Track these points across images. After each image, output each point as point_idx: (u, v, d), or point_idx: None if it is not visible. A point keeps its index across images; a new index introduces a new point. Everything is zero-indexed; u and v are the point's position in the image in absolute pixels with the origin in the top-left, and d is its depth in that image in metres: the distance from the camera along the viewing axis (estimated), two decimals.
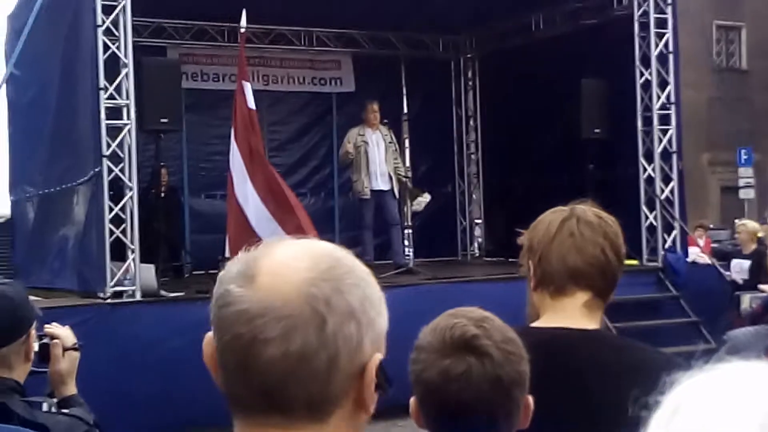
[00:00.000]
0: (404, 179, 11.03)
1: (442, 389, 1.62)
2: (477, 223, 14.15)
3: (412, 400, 1.68)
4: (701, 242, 12.75)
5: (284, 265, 1.04)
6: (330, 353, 1.01)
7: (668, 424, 0.80)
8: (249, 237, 8.48)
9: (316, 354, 1.01)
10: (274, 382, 1.01)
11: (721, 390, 0.79)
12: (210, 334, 1.07)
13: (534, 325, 2.11)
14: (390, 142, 10.87)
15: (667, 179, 10.38)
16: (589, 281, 2.08)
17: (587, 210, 2.13)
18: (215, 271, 9.26)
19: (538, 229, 2.14)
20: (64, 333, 2.48)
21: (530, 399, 1.67)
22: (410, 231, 12.06)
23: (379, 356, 1.06)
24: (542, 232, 2.12)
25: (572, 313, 2.08)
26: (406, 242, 11.54)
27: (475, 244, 14.17)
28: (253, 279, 1.03)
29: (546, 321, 2.10)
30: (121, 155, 8.23)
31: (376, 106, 10.92)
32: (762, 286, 9.62)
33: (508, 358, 1.62)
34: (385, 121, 10.95)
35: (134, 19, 8.60)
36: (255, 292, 1.02)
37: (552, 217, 2.14)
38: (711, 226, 17.12)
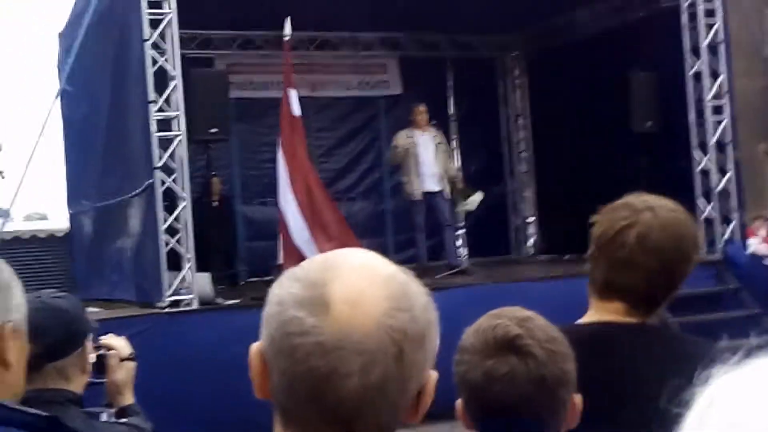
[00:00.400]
0: (455, 179, 10.99)
1: (486, 390, 1.61)
2: (530, 221, 14.06)
3: (457, 401, 1.67)
4: (763, 232, 12.48)
5: (360, 293, 1.01)
6: (404, 381, 1.01)
7: (702, 417, 0.78)
8: (291, 245, 8.60)
9: (392, 383, 1.00)
10: (350, 411, 0.99)
11: (757, 385, 0.77)
12: (256, 347, 1.05)
13: (578, 321, 2.11)
14: (439, 143, 10.84)
15: (722, 170, 10.21)
16: (626, 297, 2.05)
17: (656, 218, 2.02)
18: (270, 278, 9.36)
19: (603, 220, 2.08)
20: (119, 344, 2.51)
21: (578, 398, 1.66)
22: (463, 231, 12.06)
23: (435, 375, 1.07)
24: (603, 228, 2.07)
25: (615, 312, 2.05)
26: (459, 242, 11.53)
27: (529, 243, 14.09)
28: (327, 308, 0.99)
29: (589, 317, 2.10)
30: (173, 166, 8.31)
31: (422, 108, 10.90)
32: None
33: (551, 357, 1.61)
34: (434, 122, 10.93)
35: (181, 31, 8.67)
36: (331, 323, 0.98)
37: (618, 215, 2.05)
38: None
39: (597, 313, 2.08)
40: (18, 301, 1.57)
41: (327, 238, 8.76)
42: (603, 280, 2.05)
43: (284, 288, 1.03)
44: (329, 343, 0.98)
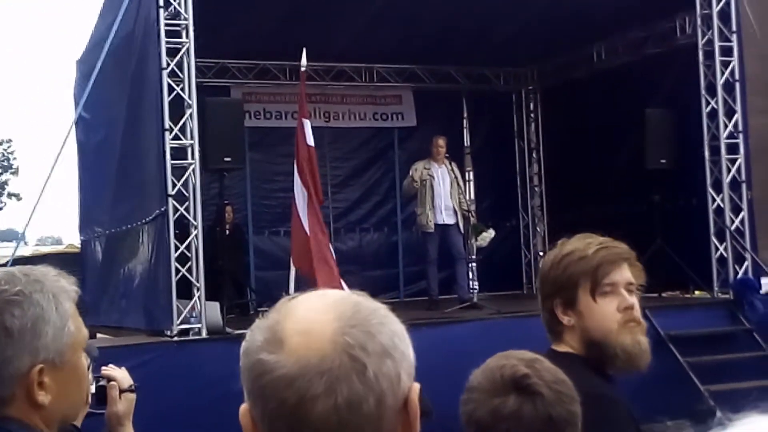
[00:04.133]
0: (467, 213, 10.98)
1: (493, 428, 1.62)
2: (541, 256, 14.01)
3: None
4: None
5: (310, 321, 1.05)
6: (376, 395, 1.02)
7: None
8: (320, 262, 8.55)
9: (364, 399, 1.02)
10: None
11: None
12: (245, 407, 1.09)
13: None
14: (455, 177, 10.85)
15: (736, 209, 10.16)
16: (550, 332, 2.26)
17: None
18: None
19: None
20: (120, 375, 2.49)
21: None
22: (474, 265, 12.03)
23: (417, 385, 1.08)
24: None
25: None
26: (471, 276, 11.48)
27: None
28: (282, 343, 1.04)
29: None
30: (186, 194, 8.33)
31: (442, 141, 10.91)
32: None
33: (559, 397, 1.61)
34: (447, 155, 10.94)
35: (198, 60, 8.73)
36: (289, 355, 1.02)
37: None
38: None
39: None
40: (51, 336, 1.56)
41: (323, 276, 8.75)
42: None
43: (249, 339, 1.09)
44: (291, 374, 1.01)
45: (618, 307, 2.13)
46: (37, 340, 1.55)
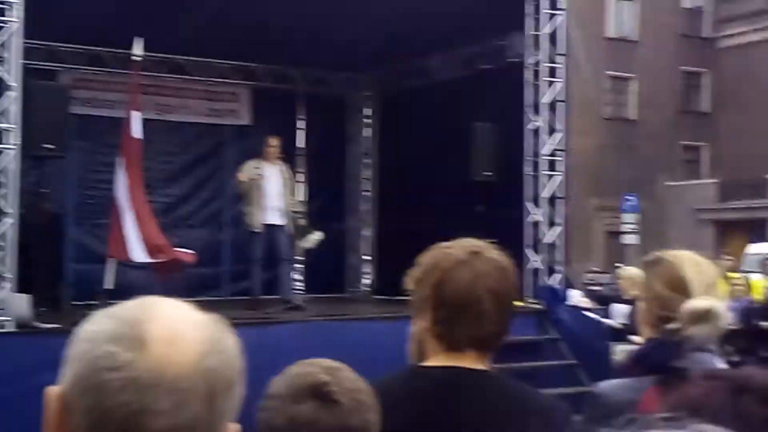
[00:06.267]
0: (296, 215, 10.98)
1: None
2: (366, 260, 14.16)
3: None
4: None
5: (177, 333, 1.01)
6: (212, 425, 1.01)
7: None
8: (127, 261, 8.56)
9: (202, 426, 1.00)
10: None
11: None
12: (53, 390, 1.02)
13: (424, 364, 2.05)
14: (287, 178, 10.83)
15: (552, 223, 10.60)
16: (489, 349, 2.05)
17: (487, 263, 2.04)
18: (95, 302, 9.03)
19: (433, 276, 2.03)
20: None
21: None
22: (301, 266, 12.04)
23: (237, 426, 1.06)
24: (450, 288, 2.01)
25: (465, 359, 2.02)
26: (296, 277, 11.48)
27: (364, 281, 14.16)
28: (144, 345, 0.98)
29: (435, 361, 2.04)
30: (2, 180, 7.95)
31: (275, 141, 10.86)
32: (633, 337, 9.79)
33: (357, 406, 1.62)
34: (280, 155, 10.90)
35: (26, 41, 8.35)
36: (147, 360, 0.98)
37: (452, 270, 2.03)
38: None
39: (447, 358, 2.02)
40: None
41: (162, 266, 8.76)
42: (455, 333, 2.00)
43: (96, 325, 1.02)
44: (143, 380, 0.97)
45: None
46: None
